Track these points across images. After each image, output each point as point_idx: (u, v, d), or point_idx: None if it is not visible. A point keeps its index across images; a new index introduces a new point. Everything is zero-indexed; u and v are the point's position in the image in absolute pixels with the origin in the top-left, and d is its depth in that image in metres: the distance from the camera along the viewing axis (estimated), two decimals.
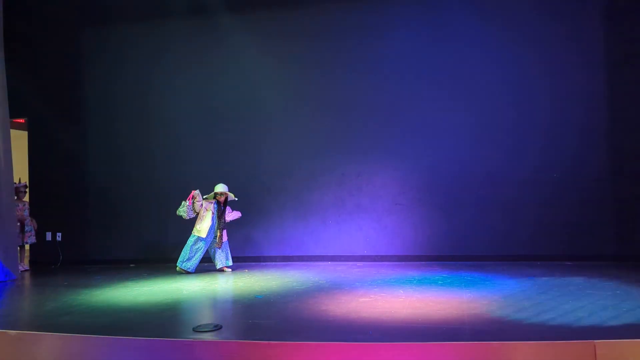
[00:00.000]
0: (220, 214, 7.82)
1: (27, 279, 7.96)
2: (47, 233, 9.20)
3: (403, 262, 8.04)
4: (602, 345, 3.55)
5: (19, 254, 8.73)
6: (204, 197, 7.85)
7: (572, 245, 7.70)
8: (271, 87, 8.71)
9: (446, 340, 3.83)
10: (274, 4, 8.75)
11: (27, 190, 8.81)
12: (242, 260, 8.05)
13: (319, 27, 8.61)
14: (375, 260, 8.23)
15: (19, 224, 8.48)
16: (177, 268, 7.71)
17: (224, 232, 7.86)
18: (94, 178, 9.30)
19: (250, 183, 8.65)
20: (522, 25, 7.99)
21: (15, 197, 8.62)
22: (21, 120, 9.85)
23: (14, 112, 8.25)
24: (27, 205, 8.72)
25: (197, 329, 4.32)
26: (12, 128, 8.31)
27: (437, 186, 8.19)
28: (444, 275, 6.76)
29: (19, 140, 9.50)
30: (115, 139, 9.27)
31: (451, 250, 8.05)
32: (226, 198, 7.89)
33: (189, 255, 7.71)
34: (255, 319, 4.81)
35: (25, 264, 8.73)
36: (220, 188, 7.87)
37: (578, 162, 7.77)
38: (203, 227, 7.73)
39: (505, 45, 8.04)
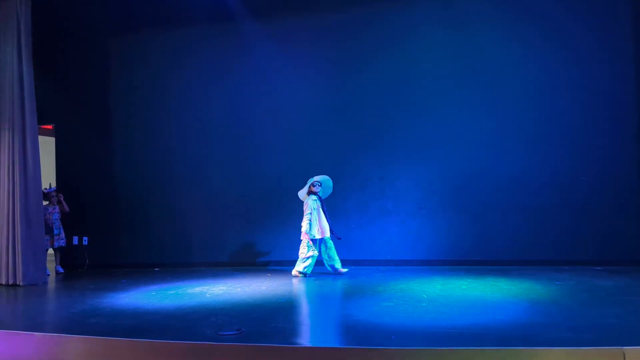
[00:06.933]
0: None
1: (55, 282, 8.12)
2: (73, 237, 9.37)
3: (427, 267, 7.96)
4: (632, 352, 3.46)
5: (57, 257, 9.01)
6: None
7: (600, 250, 7.53)
8: (293, 91, 8.75)
9: (471, 346, 3.77)
10: (295, 10, 8.78)
11: (58, 194, 9.00)
12: (265, 264, 8.06)
13: (340, 31, 8.60)
14: (398, 265, 8.16)
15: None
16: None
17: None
18: (120, 183, 9.46)
19: (273, 187, 8.68)
20: (547, 26, 7.86)
21: (47, 202, 8.83)
22: (49, 127, 10.06)
23: (41, 119, 8.43)
24: (57, 209, 8.91)
25: (219, 333, 4.34)
26: (40, 134, 8.48)
27: (462, 190, 8.09)
28: (469, 280, 6.67)
29: (47, 146, 9.71)
30: (141, 144, 9.42)
31: (476, 255, 7.94)
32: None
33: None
34: (278, 322, 4.81)
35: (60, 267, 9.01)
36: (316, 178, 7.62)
37: (605, 164, 7.61)
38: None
39: (530, 46, 7.91)
